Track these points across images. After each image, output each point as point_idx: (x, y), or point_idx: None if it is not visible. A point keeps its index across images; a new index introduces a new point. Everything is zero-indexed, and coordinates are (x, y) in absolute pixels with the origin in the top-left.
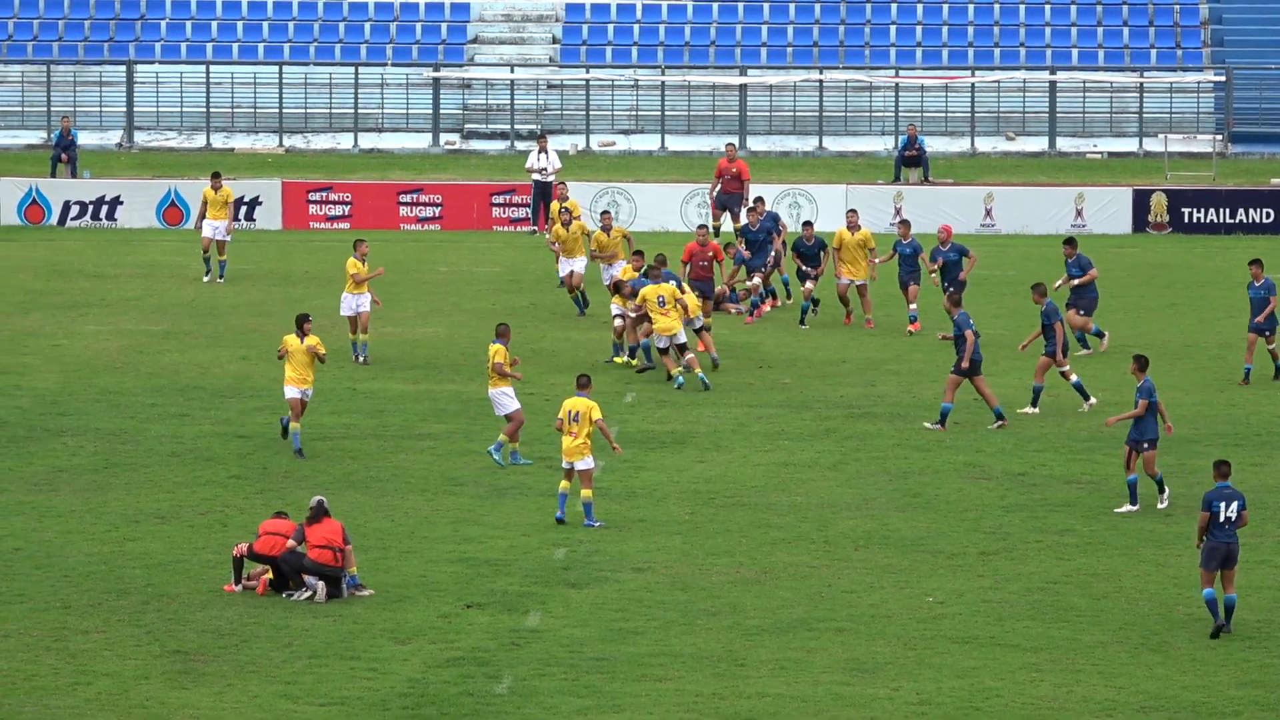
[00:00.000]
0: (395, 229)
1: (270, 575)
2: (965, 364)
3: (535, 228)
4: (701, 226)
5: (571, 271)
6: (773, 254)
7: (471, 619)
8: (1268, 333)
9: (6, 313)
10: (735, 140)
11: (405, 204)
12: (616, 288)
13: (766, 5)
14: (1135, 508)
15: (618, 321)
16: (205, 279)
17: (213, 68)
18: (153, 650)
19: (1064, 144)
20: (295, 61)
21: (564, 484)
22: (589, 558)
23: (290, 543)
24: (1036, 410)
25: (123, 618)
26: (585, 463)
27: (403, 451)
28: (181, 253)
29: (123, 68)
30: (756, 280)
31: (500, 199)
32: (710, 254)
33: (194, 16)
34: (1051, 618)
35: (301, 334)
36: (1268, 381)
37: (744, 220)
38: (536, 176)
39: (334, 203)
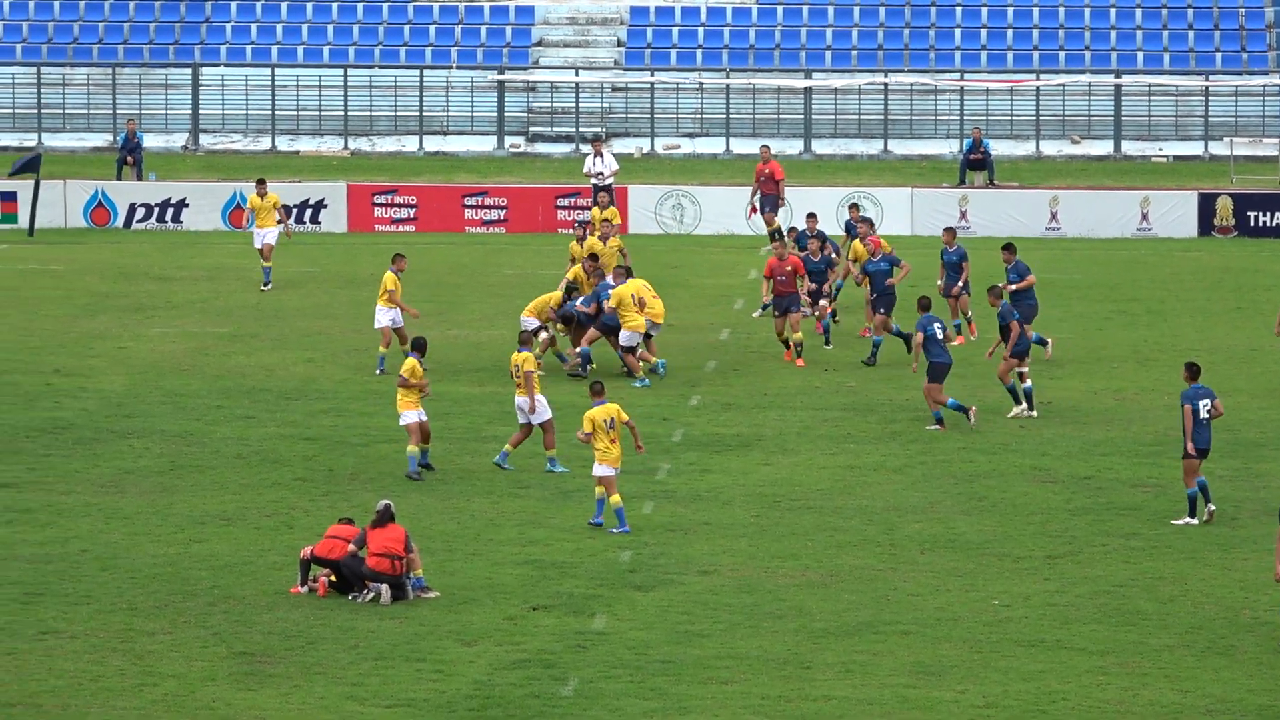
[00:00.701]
0: (460, 232)
1: (332, 577)
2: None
3: None
4: (777, 241)
5: None
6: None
7: (537, 621)
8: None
9: (73, 315)
10: (770, 144)
11: (470, 206)
12: (564, 320)
13: (831, 8)
14: (1196, 520)
15: (543, 334)
16: (265, 288)
17: (278, 70)
18: (219, 652)
19: (1129, 147)
20: (360, 64)
21: (601, 489)
22: (655, 560)
23: (351, 547)
24: (1034, 413)
25: (189, 619)
26: (616, 469)
27: (469, 454)
28: (247, 255)
29: (188, 70)
30: (824, 303)
31: (565, 201)
32: (790, 268)
33: (259, 19)
34: (1117, 621)
35: (420, 356)
36: None
37: (802, 225)
38: (594, 181)
39: (399, 205)
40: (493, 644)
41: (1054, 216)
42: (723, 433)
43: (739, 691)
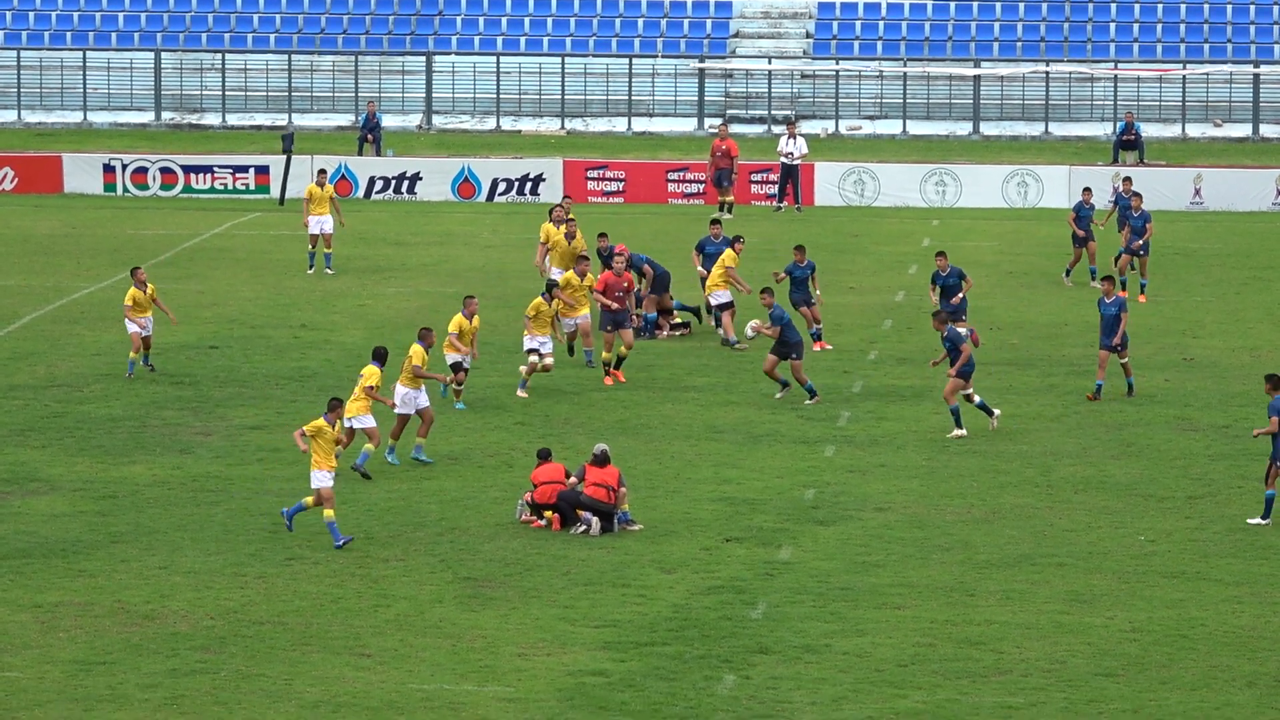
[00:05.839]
0: (664, 203)
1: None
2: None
3: (781, 204)
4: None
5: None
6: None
7: (730, 552)
8: (1120, 349)
9: (319, 277)
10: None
11: (673, 181)
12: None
13: (999, 4)
14: (1267, 522)
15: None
16: (309, 272)
17: (502, 58)
18: (446, 577)
19: (1266, 130)
20: (576, 53)
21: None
22: (836, 498)
23: (572, 480)
24: (963, 432)
25: (419, 548)
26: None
27: (670, 402)
28: (473, 223)
29: (422, 58)
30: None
31: (758, 177)
32: (626, 284)
33: (486, 13)
34: (1251, 556)
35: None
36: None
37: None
38: (784, 160)
39: (609, 179)
40: (690, 572)
41: (1197, 192)
42: (898, 384)
43: (910, 616)
